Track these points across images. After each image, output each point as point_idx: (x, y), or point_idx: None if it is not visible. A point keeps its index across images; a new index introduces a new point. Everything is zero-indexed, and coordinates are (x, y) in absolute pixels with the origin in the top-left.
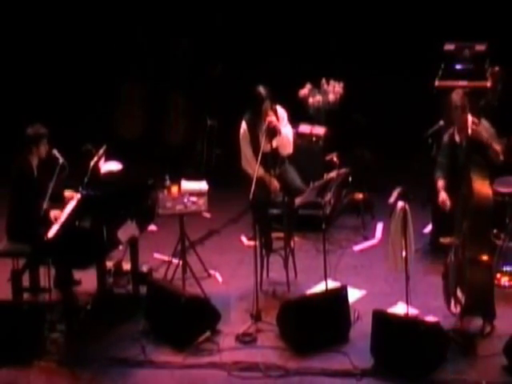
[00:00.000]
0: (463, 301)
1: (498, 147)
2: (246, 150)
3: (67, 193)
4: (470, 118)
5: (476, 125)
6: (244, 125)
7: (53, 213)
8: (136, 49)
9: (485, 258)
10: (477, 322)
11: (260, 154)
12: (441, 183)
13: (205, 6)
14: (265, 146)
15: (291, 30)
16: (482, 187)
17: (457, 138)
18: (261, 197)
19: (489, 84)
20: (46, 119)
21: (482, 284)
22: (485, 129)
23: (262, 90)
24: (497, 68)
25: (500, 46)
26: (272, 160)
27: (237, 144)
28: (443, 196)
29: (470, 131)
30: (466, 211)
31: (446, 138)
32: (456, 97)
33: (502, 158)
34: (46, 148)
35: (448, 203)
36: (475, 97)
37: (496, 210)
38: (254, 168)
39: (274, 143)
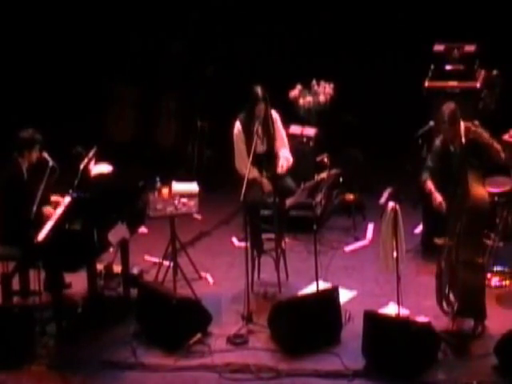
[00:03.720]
0: (456, 302)
1: (498, 146)
2: (240, 149)
3: (53, 198)
4: (462, 125)
5: (476, 126)
6: (238, 124)
7: (46, 209)
8: (127, 51)
9: (479, 261)
10: (468, 323)
11: (252, 155)
12: (431, 185)
13: (197, 8)
14: (258, 147)
15: (282, 31)
16: (478, 191)
17: (450, 145)
18: (252, 198)
19: (478, 85)
20: (37, 121)
21: (475, 287)
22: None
23: (258, 90)
24: (495, 72)
25: (490, 46)
26: (266, 161)
27: (228, 145)
28: (439, 198)
29: (468, 135)
30: (461, 214)
31: (437, 142)
32: (445, 110)
33: (503, 155)
34: (37, 155)
35: (444, 205)
36: (472, 100)
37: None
38: (248, 168)
39: (279, 170)
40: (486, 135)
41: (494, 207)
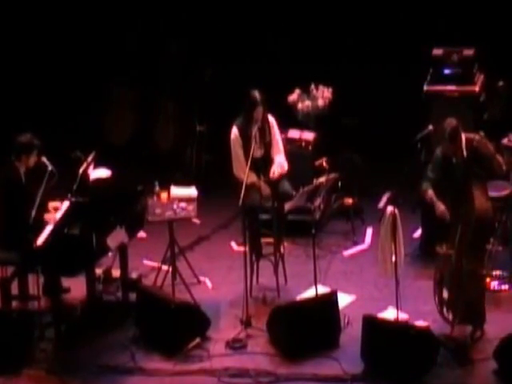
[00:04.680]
0: (457, 309)
1: (500, 159)
2: (238, 155)
3: (51, 205)
4: (464, 137)
5: (481, 137)
6: (235, 129)
7: (47, 216)
8: (125, 53)
9: (483, 271)
10: (467, 327)
11: (250, 160)
12: (432, 194)
13: (194, 10)
14: (255, 152)
15: (280, 36)
16: (483, 203)
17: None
18: (251, 202)
19: (477, 88)
20: (35, 125)
21: (478, 295)
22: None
23: (256, 94)
24: (501, 82)
25: (489, 51)
26: (263, 165)
27: (227, 150)
28: (442, 207)
29: (470, 146)
30: (464, 223)
31: (438, 153)
32: (447, 128)
33: (504, 168)
34: (34, 160)
35: (447, 214)
36: (471, 104)
37: None
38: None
39: (271, 175)
40: (490, 147)
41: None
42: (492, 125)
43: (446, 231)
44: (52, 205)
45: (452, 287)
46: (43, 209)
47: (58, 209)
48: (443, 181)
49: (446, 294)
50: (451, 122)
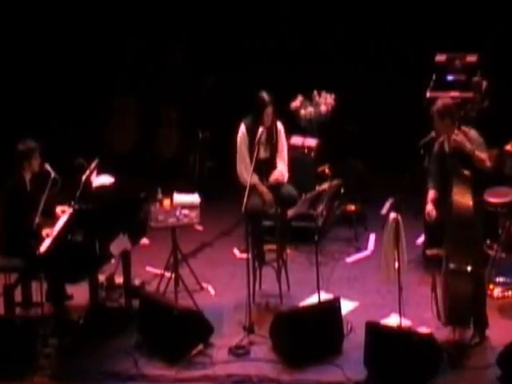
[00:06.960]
0: (445, 309)
1: (482, 155)
2: (243, 153)
3: (59, 208)
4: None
5: (457, 135)
6: (243, 128)
7: (45, 231)
8: (127, 61)
9: (467, 269)
10: (469, 334)
11: (254, 161)
12: (431, 194)
13: (196, 17)
14: (261, 153)
15: (283, 43)
16: (461, 199)
17: (446, 147)
18: (254, 208)
19: (478, 94)
20: (38, 133)
21: (464, 295)
22: (472, 138)
23: (265, 95)
24: (476, 78)
25: (491, 57)
26: (266, 168)
27: (230, 155)
28: (428, 207)
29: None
30: (448, 222)
31: (436, 146)
32: (438, 102)
33: (488, 164)
34: (38, 162)
35: (433, 214)
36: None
37: (488, 220)
38: (249, 174)
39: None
40: (467, 144)
41: (496, 217)
42: (469, 122)
43: (441, 235)
44: (60, 208)
45: (444, 289)
46: (48, 214)
47: (66, 212)
48: (440, 174)
49: (442, 299)
50: (445, 99)
